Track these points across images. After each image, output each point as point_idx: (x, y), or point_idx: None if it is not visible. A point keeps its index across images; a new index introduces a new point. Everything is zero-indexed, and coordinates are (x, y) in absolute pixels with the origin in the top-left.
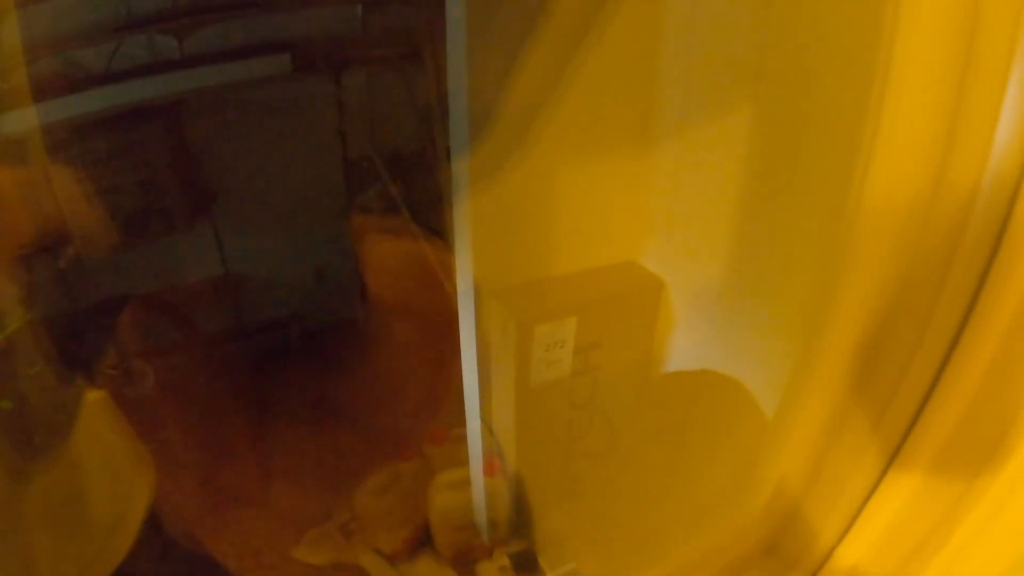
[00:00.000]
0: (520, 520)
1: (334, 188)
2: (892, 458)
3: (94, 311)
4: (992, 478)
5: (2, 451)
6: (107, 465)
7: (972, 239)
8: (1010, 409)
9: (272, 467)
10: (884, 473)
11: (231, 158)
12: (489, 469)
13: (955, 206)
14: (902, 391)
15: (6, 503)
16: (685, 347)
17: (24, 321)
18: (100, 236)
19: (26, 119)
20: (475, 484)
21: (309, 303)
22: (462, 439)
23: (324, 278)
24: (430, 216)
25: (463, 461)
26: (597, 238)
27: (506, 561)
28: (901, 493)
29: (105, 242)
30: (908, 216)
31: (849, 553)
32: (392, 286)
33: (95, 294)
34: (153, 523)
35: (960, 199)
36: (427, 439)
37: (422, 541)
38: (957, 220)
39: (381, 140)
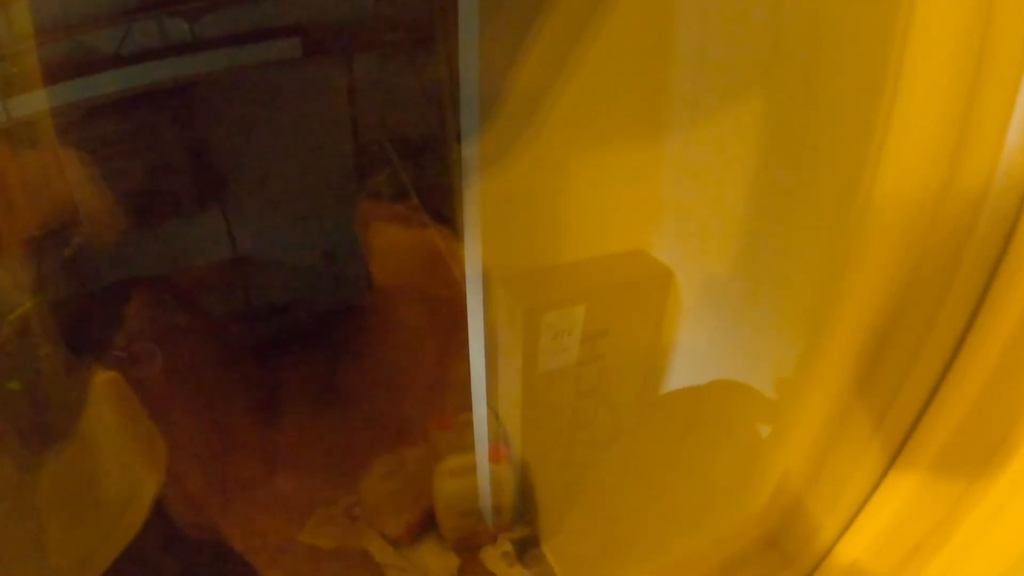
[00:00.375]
0: (524, 507)
1: (344, 173)
2: (894, 457)
3: (103, 294)
4: (993, 479)
5: (11, 432)
6: (118, 446)
7: (980, 239)
8: (1012, 411)
9: (278, 450)
10: (886, 472)
11: (241, 142)
12: (494, 456)
13: (964, 205)
14: (905, 390)
15: (16, 483)
16: (692, 338)
17: (34, 303)
18: (109, 219)
19: (36, 102)
20: (480, 470)
21: (317, 288)
22: (468, 425)
23: (333, 263)
24: (439, 203)
25: (469, 447)
26: (607, 226)
27: (509, 547)
28: (902, 492)
29: (114, 225)
30: (917, 213)
31: (849, 550)
32: (399, 273)
33: (104, 277)
34: (161, 507)
35: (970, 198)
36: (433, 425)
37: (426, 526)
38: (966, 219)
39: (391, 125)
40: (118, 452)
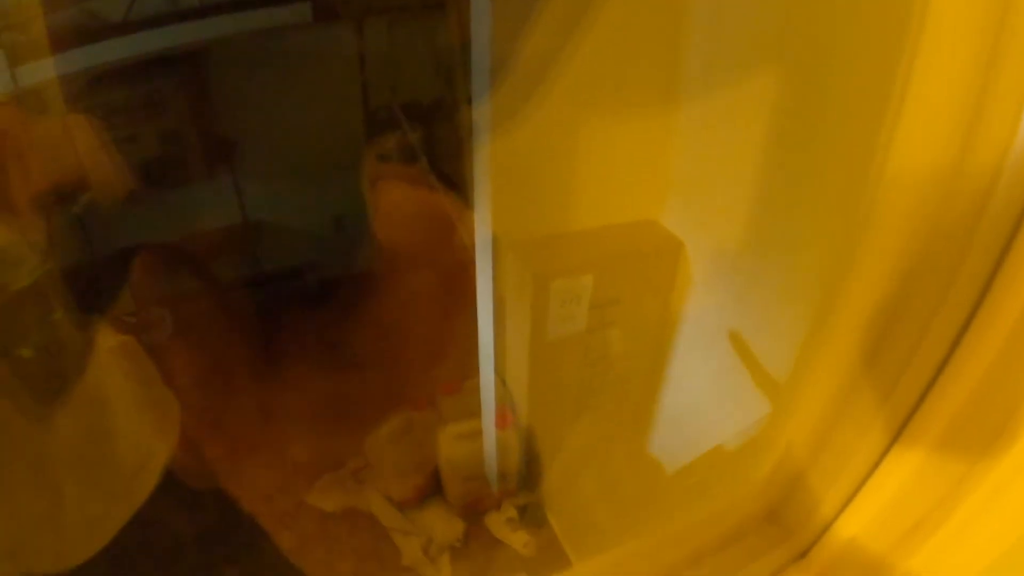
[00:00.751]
0: (529, 473)
1: (353, 138)
2: (897, 435)
3: (113, 259)
4: (994, 462)
5: (26, 397)
6: (131, 408)
7: (991, 220)
8: (1017, 394)
9: (285, 414)
10: (888, 449)
11: (251, 107)
12: (501, 422)
13: (977, 185)
14: (912, 368)
15: (32, 447)
16: (701, 309)
17: (44, 269)
18: (118, 181)
19: (45, 70)
20: (486, 436)
21: (327, 253)
22: (474, 390)
23: (342, 228)
24: (448, 169)
25: (475, 412)
26: (617, 195)
27: (513, 513)
28: (903, 470)
29: (123, 185)
30: (930, 192)
31: (848, 526)
32: (403, 233)
33: (114, 239)
34: (173, 469)
35: (983, 179)
36: (440, 389)
37: (432, 490)
38: (978, 199)
39: (401, 91)
40: (131, 415)
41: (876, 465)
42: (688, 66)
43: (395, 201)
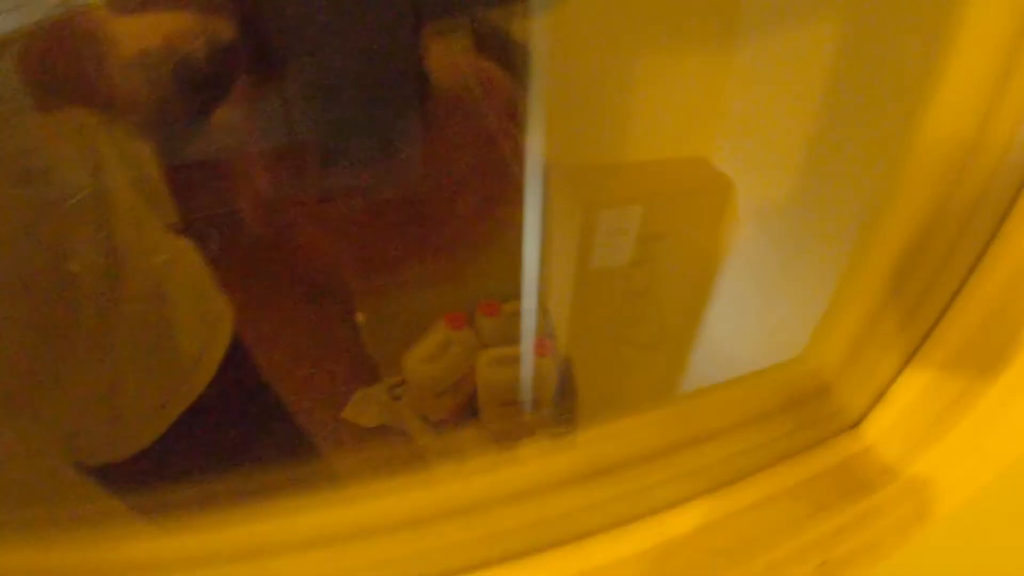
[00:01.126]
0: (564, 402)
1: (407, 55)
2: (911, 355)
3: (163, 175)
4: (993, 382)
5: (84, 303)
6: (190, 305)
7: (1005, 175)
8: (1015, 325)
9: (323, 330)
10: (903, 367)
11: (300, 21)
12: (540, 349)
13: (1004, 138)
14: (927, 301)
15: (90, 338)
16: (745, 247)
17: (92, 188)
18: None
19: None
20: (525, 362)
21: (375, 174)
22: (514, 315)
23: (393, 149)
24: None
25: (514, 338)
26: (670, 130)
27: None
28: (915, 386)
29: (226, 37)
30: (961, 145)
31: (870, 430)
32: (455, 82)
33: (164, 160)
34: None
35: (1009, 132)
36: (479, 310)
37: (468, 413)
38: (995, 162)
39: (459, 9)
40: (188, 309)
41: (892, 380)
42: (750, 6)
43: (452, 61)
